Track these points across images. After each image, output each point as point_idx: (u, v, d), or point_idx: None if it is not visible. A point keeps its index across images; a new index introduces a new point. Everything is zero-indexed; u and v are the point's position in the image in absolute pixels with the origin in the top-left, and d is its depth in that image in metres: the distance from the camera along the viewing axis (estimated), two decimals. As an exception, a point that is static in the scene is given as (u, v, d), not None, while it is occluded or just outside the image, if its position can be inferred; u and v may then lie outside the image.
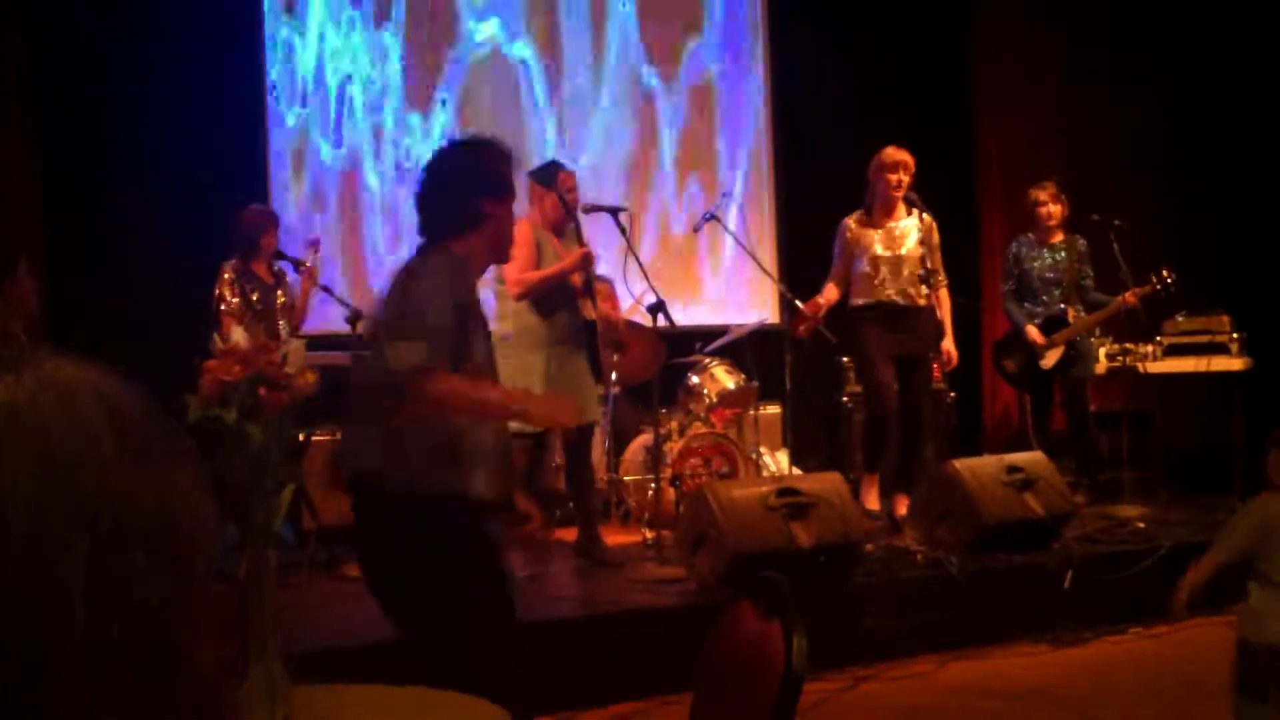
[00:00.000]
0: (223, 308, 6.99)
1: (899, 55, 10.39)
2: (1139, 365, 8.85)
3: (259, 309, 7.09)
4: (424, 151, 9.19)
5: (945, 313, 7.49)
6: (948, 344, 7.47)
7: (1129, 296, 8.00)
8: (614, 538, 7.25)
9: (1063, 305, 8.27)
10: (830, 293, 7.45)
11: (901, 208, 7.34)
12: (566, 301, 6.47)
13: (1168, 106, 10.60)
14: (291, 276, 7.34)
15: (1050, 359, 8.21)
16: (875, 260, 7.31)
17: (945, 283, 7.49)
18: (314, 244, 7.72)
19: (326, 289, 7.15)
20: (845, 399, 9.40)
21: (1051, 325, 8.23)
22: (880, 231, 7.34)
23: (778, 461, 8.22)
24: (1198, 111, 10.63)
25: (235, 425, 2.41)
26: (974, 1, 10.78)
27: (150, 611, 0.89)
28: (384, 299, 3.66)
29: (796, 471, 7.72)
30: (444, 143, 3.96)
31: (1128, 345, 8.92)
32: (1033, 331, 8.23)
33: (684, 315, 9.05)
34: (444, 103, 9.31)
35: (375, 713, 2.68)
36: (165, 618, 0.90)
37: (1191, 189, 10.63)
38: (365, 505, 3.60)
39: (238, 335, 2.46)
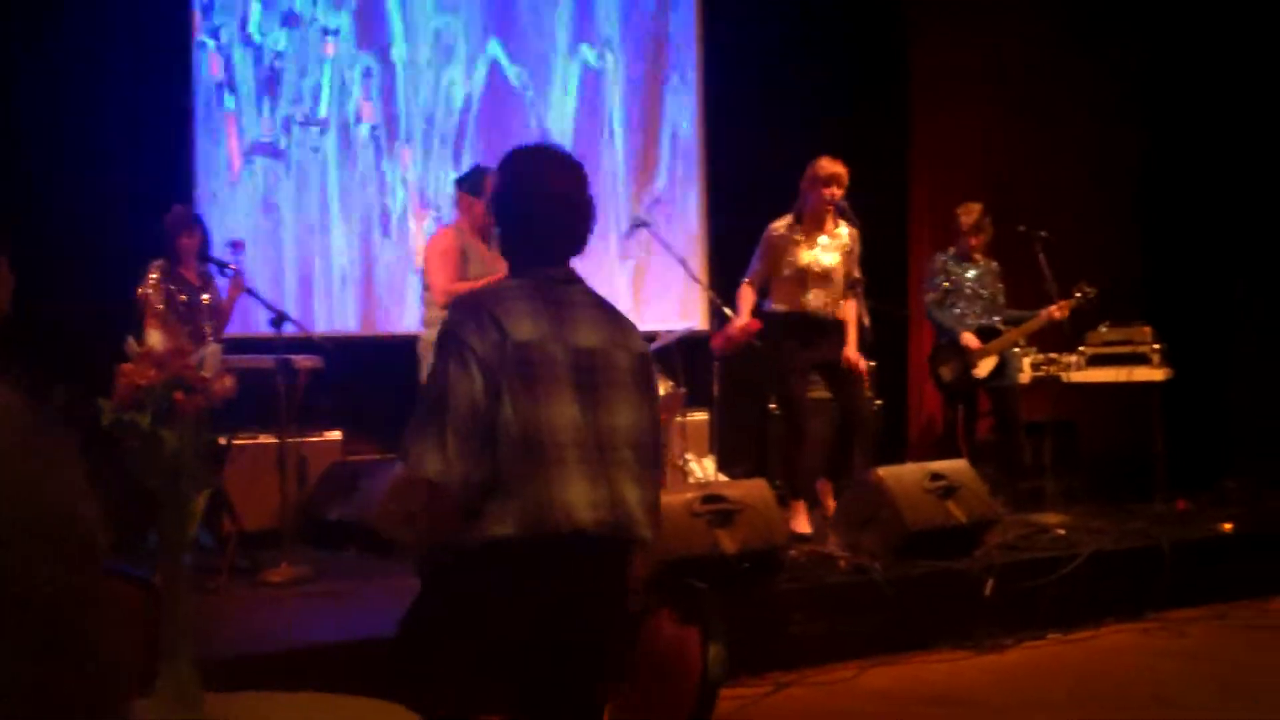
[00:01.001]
0: (146, 309, 6.92)
1: (829, 63, 10.44)
2: (1062, 375, 8.96)
3: (183, 311, 7.01)
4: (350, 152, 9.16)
5: (852, 321, 7.44)
6: (849, 352, 7.40)
7: (1054, 310, 8.10)
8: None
9: (992, 318, 8.35)
10: (749, 297, 7.42)
11: (830, 218, 7.33)
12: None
13: (1094, 120, 10.75)
14: (222, 280, 7.26)
15: (985, 368, 8.27)
16: (802, 270, 7.28)
17: (861, 292, 7.47)
18: (236, 245, 7.63)
19: (251, 291, 7.08)
20: (772, 406, 9.42)
21: (982, 336, 8.30)
22: (809, 241, 7.31)
23: (704, 468, 8.24)
24: (1123, 125, 10.79)
25: (150, 429, 2.38)
26: (907, 13, 10.86)
27: (50, 600, 0.89)
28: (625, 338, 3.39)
29: (723, 478, 7.74)
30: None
31: (1051, 355, 9.03)
32: (970, 338, 8.28)
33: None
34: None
35: (294, 716, 2.66)
36: (65, 606, 0.90)
37: (1116, 202, 10.79)
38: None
39: (153, 338, 2.44)
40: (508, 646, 3.13)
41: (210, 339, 6.87)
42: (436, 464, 3.06)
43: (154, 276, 6.98)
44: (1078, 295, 8.16)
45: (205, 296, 7.16)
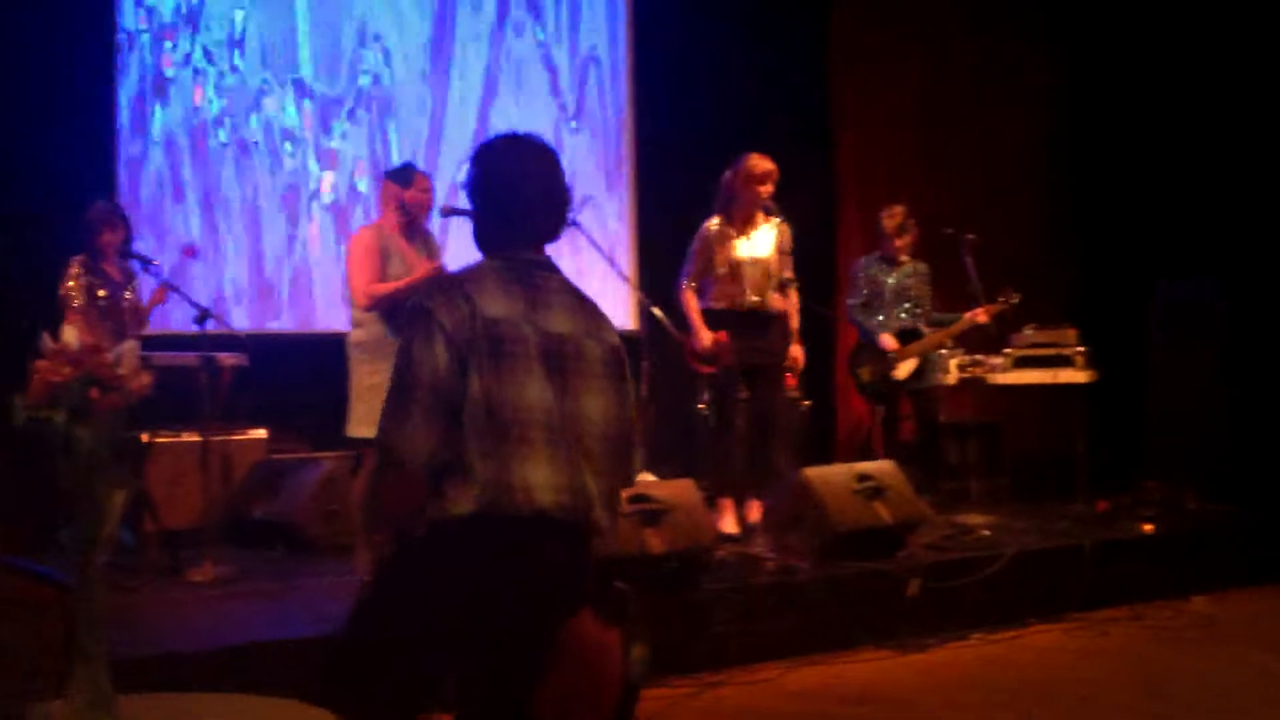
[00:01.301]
0: (66, 305, 6.84)
1: (759, 65, 10.47)
2: (988, 377, 9.03)
3: (104, 306, 6.93)
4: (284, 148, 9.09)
5: (794, 317, 7.51)
6: (794, 349, 7.50)
7: (977, 315, 8.16)
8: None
9: (915, 321, 8.39)
10: (695, 303, 7.41)
11: (760, 214, 7.36)
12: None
13: (1025, 122, 10.86)
14: (145, 276, 7.17)
15: (904, 370, 8.32)
16: (736, 265, 7.30)
17: (797, 287, 7.53)
18: (188, 251, 7.59)
19: (173, 287, 7.00)
20: (701, 407, 9.42)
21: (904, 338, 8.35)
22: (741, 237, 7.34)
23: (632, 468, 8.22)
24: (1053, 128, 10.91)
25: (65, 427, 2.35)
26: (834, 14, 10.92)
27: None
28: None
29: (650, 478, 7.73)
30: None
31: (977, 357, 9.10)
32: (888, 340, 8.32)
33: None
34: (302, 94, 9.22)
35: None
36: None
37: (1044, 206, 10.91)
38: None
39: (68, 335, 2.40)
40: (462, 627, 3.07)
41: (130, 335, 6.80)
42: (403, 441, 3.04)
43: (74, 271, 6.90)
44: (1001, 301, 8.24)
45: (127, 294, 7.09)
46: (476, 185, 3.36)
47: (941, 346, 8.54)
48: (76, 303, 6.85)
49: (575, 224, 7.58)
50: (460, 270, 3.35)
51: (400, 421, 3.05)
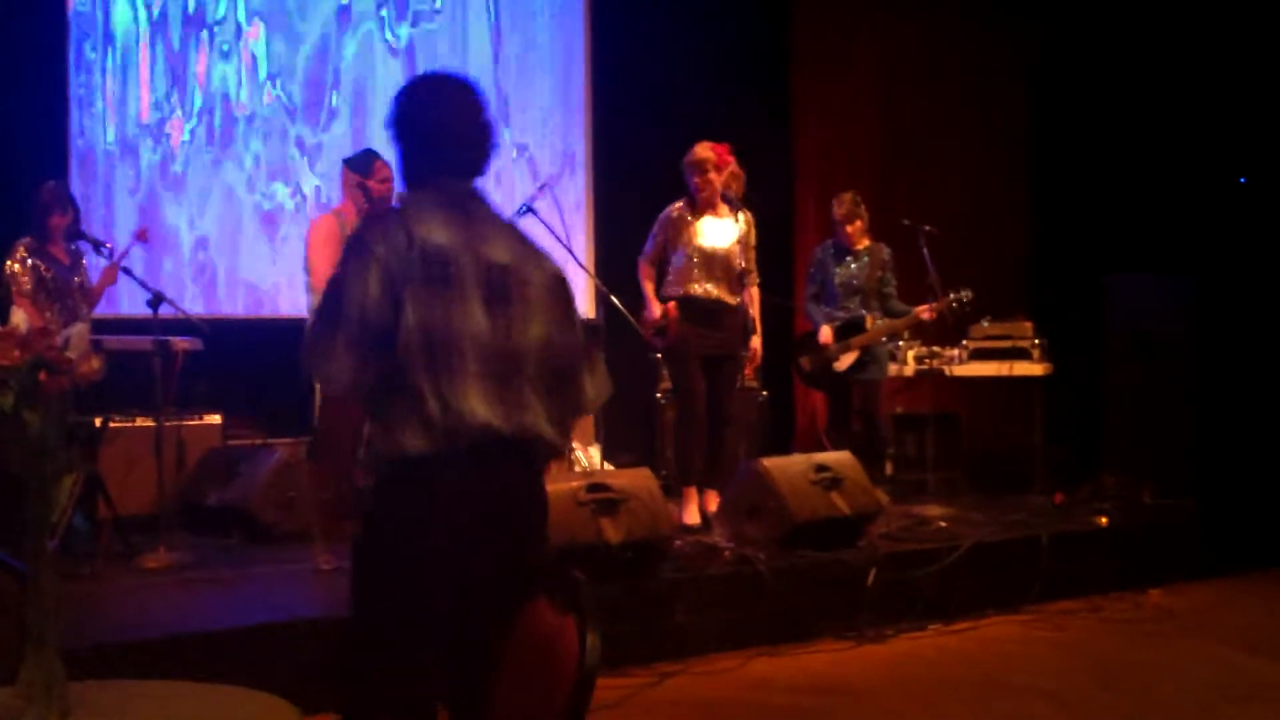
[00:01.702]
0: (14, 287, 6.75)
1: (718, 54, 10.46)
2: (945, 369, 9.06)
3: (52, 289, 6.85)
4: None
5: (755, 310, 7.51)
6: (755, 341, 7.50)
7: (923, 312, 8.12)
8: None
9: (862, 311, 8.31)
10: (650, 275, 7.41)
11: (722, 205, 7.34)
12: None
13: (981, 112, 10.90)
14: (95, 259, 7.11)
15: (844, 362, 8.25)
16: (693, 252, 7.27)
17: (757, 280, 7.53)
18: (141, 234, 7.51)
19: (126, 270, 6.93)
20: (659, 395, 9.43)
21: (849, 330, 8.26)
22: (702, 224, 7.32)
23: (589, 457, 8.22)
24: (1010, 118, 10.95)
25: (13, 411, 2.31)
26: (794, 5, 10.91)
27: None
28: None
29: (608, 467, 7.72)
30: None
31: (934, 349, 9.13)
32: (824, 332, 8.27)
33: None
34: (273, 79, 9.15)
35: (159, 708, 2.59)
36: None
37: (1001, 197, 10.94)
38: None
39: (17, 318, 2.36)
40: (449, 568, 3.06)
41: (80, 319, 6.74)
42: (325, 365, 3.03)
43: (20, 253, 6.82)
44: (948, 298, 8.14)
45: (76, 276, 7.01)
46: (398, 120, 3.34)
47: (884, 339, 8.46)
48: (25, 286, 6.76)
49: (532, 210, 7.56)
50: (400, 201, 3.33)
51: (325, 350, 3.03)
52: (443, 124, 3.30)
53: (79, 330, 2.41)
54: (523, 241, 3.33)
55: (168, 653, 4.76)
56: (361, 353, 3.01)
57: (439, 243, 3.11)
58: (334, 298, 3.05)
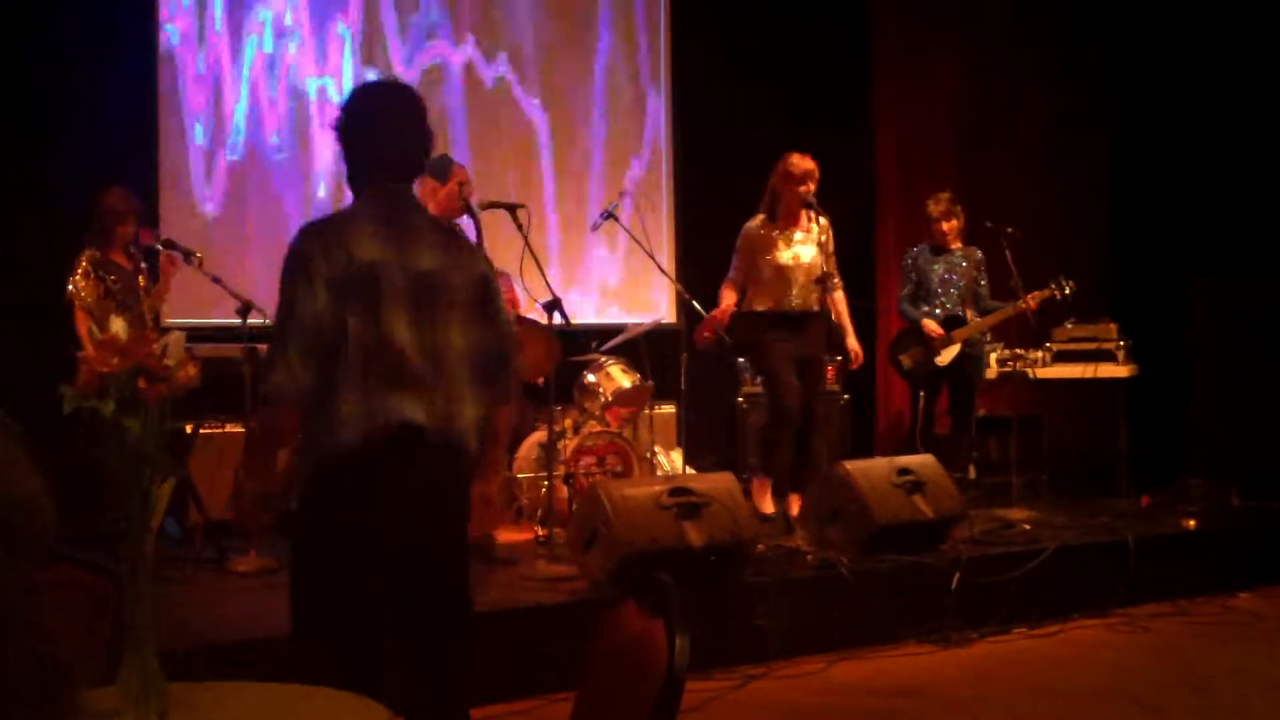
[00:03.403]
0: (75, 302, 6.75)
1: (798, 56, 10.46)
2: (1029, 371, 8.99)
3: (120, 301, 6.84)
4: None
5: (844, 312, 7.54)
6: (852, 342, 7.53)
7: (1029, 300, 8.09)
8: (506, 535, 7.22)
9: (960, 308, 8.33)
10: (729, 298, 7.46)
11: (803, 213, 7.36)
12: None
13: (1065, 110, 10.79)
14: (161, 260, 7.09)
15: (946, 356, 8.27)
16: (778, 267, 7.33)
17: (841, 285, 7.55)
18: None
19: (217, 280, 7.01)
20: (740, 400, 9.44)
21: (949, 324, 8.30)
22: (783, 238, 7.36)
23: (671, 461, 8.24)
24: (1095, 116, 10.83)
25: (113, 417, 2.36)
26: (872, 3, 10.87)
27: None
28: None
29: (690, 471, 7.74)
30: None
31: (1018, 351, 9.06)
32: (930, 324, 8.29)
33: (580, 314, 9.06)
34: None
35: (253, 710, 2.64)
36: (5, 590, 0.89)
37: (1085, 196, 10.83)
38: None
39: (116, 326, 2.42)
40: (379, 549, 3.45)
41: (153, 324, 6.80)
42: (280, 377, 3.33)
43: (84, 267, 6.82)
44: (1053, 286, 8.15)
45: (140, 280, 7.02)
46: (341, 127, 3.60)
47: (983, 336, 8.47)
48: (86, 300, 6.73)
49: (614, 217, 7.60)
50: (334, 215, 3.62)
51: (280, 361, 3.33)
52: (377, 134, 3.57)
53: (175, 337, 2.46)
54: (450, 244, 3.64)
55: (259, 655, 4.83)
56: (310, 360, 3.33)
57: (369, 259, 3.41)
58: (285, 315, 3.36)
